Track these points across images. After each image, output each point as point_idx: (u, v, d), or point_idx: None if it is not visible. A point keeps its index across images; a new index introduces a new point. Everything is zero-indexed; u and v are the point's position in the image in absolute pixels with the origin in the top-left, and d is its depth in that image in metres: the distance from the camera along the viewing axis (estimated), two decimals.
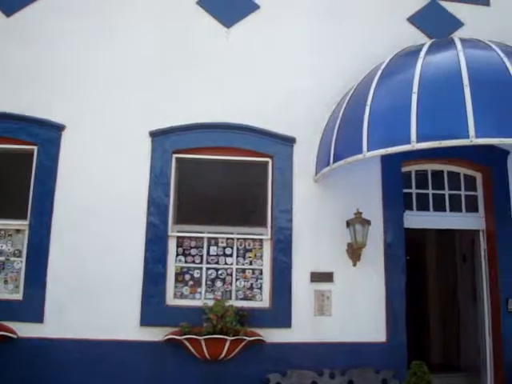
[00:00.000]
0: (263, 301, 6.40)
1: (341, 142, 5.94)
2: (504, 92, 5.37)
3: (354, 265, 6.47)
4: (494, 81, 5.50)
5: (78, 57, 6.73)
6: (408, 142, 5.23)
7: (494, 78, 5.53)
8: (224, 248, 6.51)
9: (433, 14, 7.54)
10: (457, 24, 7.55)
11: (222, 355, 5.88)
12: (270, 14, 7.11)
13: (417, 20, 7.47)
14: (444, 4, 7.62)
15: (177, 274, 6.41)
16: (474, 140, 5.10)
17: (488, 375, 6.95)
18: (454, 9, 7.62)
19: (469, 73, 5.42)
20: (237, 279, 6.45)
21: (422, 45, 6.26)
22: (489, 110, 5.30)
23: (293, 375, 6.09)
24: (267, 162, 6.69)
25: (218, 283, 6.42)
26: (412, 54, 6.12)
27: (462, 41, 6.06)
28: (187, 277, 6.41)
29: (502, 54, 5.73)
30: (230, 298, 6.34)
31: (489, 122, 5.23)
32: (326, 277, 6.43)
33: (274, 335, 6.19)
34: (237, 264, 6.49)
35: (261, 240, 6.54)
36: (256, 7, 7.09)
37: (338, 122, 6.07)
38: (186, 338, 5.83)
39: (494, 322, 6.95)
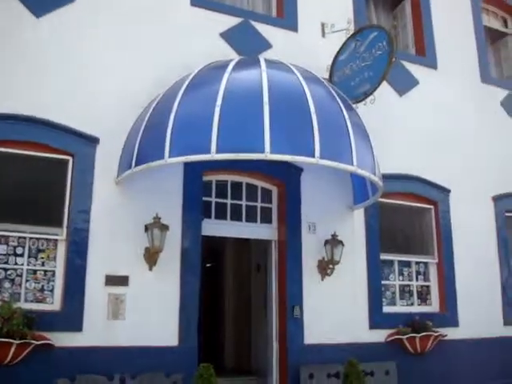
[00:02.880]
0: (54, 304, 6.40)
1: (144, 146, 6.24)
2: (299, 114, 6.11)
3: (151, 269, 6.75)
4: (291, 102, 6.22)
5: None
6: (208, 151, 5.70)
7: (292, 100, 6.24)
8: (15, 247, 6.39)
9: (244, 32, 8.23)
10: (266, 45, 8.32)
11: (8, 360, 5.79)
12: (84, 10, 7.18)
13: (229, 36, 8.08)
14: (255, 25, 8.35)
15: None
16: (268, 155, 5.73)
17: (274, 378, 7.64)
18: (264, 30, 8.39)
19: (269, 92, 6.05)
20: (27, 280, 6.37)
21: (230, 60, 6.80)
22: (284, 128, 5.99)
23: (82, 380, 6.15)
24: (68, 160, 6.72)
25: (7, 284, 6.28)
26: (219, 68, 6.62)
27: (267, 61, 6.75)
28: None
29: (301, 79, 6.49)
30: (19, 300, 6.24)
31: (283, 139, 5.91)
32: (122, 280, 6.62)
33: (64, 339, 6.20)
34: (28, 265, 6.41)
35: (55, 240, 6.56)
36: (70, 0, 7.10)
37: (143, 126, 6.36)
38: None
39: (280, 327, 7.70)
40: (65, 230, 6.55)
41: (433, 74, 9.86)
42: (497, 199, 9.88)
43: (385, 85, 8.21)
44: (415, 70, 9.67)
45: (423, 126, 9.31)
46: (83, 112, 6.83)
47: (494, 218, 9.80)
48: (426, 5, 10.27)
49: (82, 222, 6.56)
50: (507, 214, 9.99)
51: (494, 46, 11.82)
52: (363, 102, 7.74)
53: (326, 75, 8.19)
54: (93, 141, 6.79)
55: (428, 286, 9.05)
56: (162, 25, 7.64)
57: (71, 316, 6.34)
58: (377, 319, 8.17)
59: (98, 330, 6.44)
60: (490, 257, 9.57)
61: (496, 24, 11.75)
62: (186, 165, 6.99)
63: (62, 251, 6.54)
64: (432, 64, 9.92)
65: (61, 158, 6.72)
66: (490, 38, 11.63)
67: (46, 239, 6.55)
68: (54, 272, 6.50)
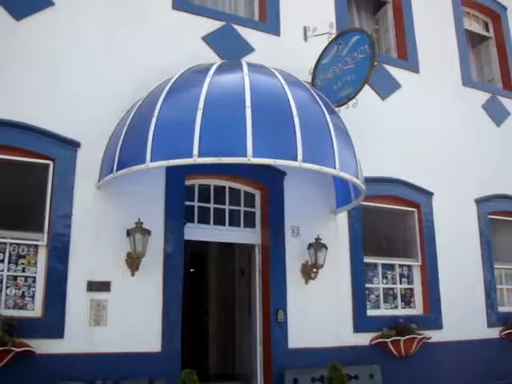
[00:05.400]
0: (35, 310, 6.34)
1: (125, 150, 6.22)
2: (281, 117, 6.13)
3: (133, 274, 6.72)
4: (273, 106, 6.24)
5: None
6: (190, 155, 5.69)
7: (274, 104, 6.26)
8: None
9: (226, 36, 8.25)
10: (248, 49, 8.33)
11: None
12: (64, 13, 7.16)
13: (211, 40, 8.10)
14: (238, 28, 8.37)
15: None
16: (251, 159, 5.73)
17: (258, 383, 7.63)
18: (246, 34, 8.41)
19: (251, 95, 6.06)
20: (7, 287, 6.30)
21: (212, 64, 6.82)
22: (266, 132, 5.99)
23: None
24: (48, 165, 6.67)
25: None
26: (201, 71, 6.64)
27: (249, 65, 6.77)
28: None
29: (283, 82, 6.51)
30: None
31: (265, 143, 5.91)
32: (104, 286, 6.57)
33: (45, 346, 6.14)
34: (8, 271, 6.33)
35: (36, 246, 6.49)
36: (50, 3, 7.07)
37: (125, 130, 6.35)
38: None
39: (264, 332, 7.70)
40: (46, 235, 6.49)
41: (415, 77, 9.95)
42: (480, 202, 9.97)
43: (367, 88, 8.26)
44: (397, 73, 9.73)
45: (406, 130, 9.39)
46: (64, 116, 6.79)
47: (476, 221, 9.88)
48: (407, 9, 10.35)
49: (63, 227, 6.51)
50: (490, 217, 10.08)
51: (475, 50, 11.94)
52: (345, 106, 7.77)
53: (309, 79, 8.22)
54: (74, 145, 6.76)
55: (412, 289, 9.10)
56: (144, 28, 7.64)
57: (52, 322, 6.28)
58: (361, 322, 8.19)
59: (79, 337, 6.39)
60: (474, 259, 9.64)
61: (477, 28, 11.88)
62: (168, 169, 6.96)
63: (42, 257, 6.49)
64: (414, 68, 10.00)
65: (41, 163, 6.67)
66: (471, 42, 11.75)
67: (27, 245, 6.49)
68: (34, 278, 6.44)
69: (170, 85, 6.45)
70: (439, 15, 10.77)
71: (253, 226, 8.01)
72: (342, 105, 7.78)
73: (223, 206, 7.86)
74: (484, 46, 11.95)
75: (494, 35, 11.93)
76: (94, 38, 7.27)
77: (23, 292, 6.38)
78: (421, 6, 10.45)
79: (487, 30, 12.00)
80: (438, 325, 8.85)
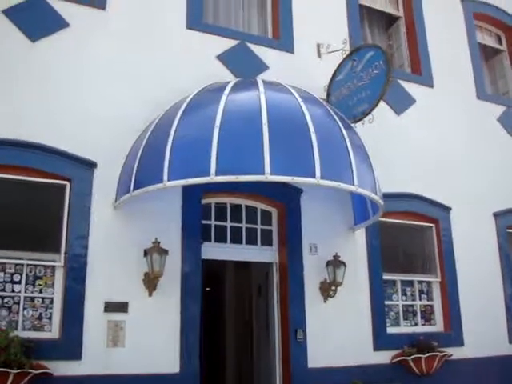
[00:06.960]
0: (52, 331, 6.26)
1: (142, 170, 6.16)
2: (298, 134, 6.05)
3: (150, 295, 6.62)
4: (290, 123, 6.16)
5: None
6: (207, 174, 5.61)
7: (291, 121, 6.19)
8: (12, 274, 6.25)
9: (241, 54, 8.21)
10: (263, 67, 8.30)
11: None
12: (80, 34, 7.15)
13: (225, 59, 8.06)
14: (252, 46, 8.34)
15: None
16: (269, 177, 5.64)
17: None
18: (260, 52, 8.38)
19: (268, 113, 5.99)
20: (24, 308, 6.23)
21: (228, 82, 6.76)
22: (284, 149, 5.90)
23: None
24: (65, 185, 6.62)
25: (4, 312, 6.13)
26: (217, 90, 6.58)
27: (265, 83, 6.71)
28: None
29: (299, 99, 6.44)
30: (16, 329, 6.09)
31: (283, 161, 5.81)
32: (121, 307, 6.48)
33: (63, 368, 6.04)
34: (25, 292, 6.27)
35: (53, 267, 6.42)
36: (65, 25, 7.08)
37: (141, 149, 6.29)
38: None
39: (284, 351, 7.55)
40: (63, 256, 6.43)
41: (429, 92, 9.86)
42: (498, 215, 9.80)
43: (382, 104, 8.16)
44: (412, 88, 9.65)
45: (422, 145, 9.28)
46: (80, 137, 6.75)
47: (495, 235, 9.71)
48: (420, 23, 10.30)
49: (80, 247, 6.44)
50: (509, 230, 9.90)
51: (489, 64, 11.84)
52: (361, 122, 7.69)
53: (324, 95, 8.16)
54: (90, 165, 6.71)
55: (432, 306, 8.93)
56: (159, 48, 7.62)
57: (70, 344, 6.19)
58: (381, 340, 8.03)
59: (97, 358, 6.28)
60: (493, 274, 9.45)
61: (490, 41, 11.79)
62: (185, 188, 6.89)
63: (60, 278, 6.42)
64: (428, 82, 9.93)
65: (58, 183, 6.62)
66: (485, 55, 11.66)
67: (44, 266, 6.41)
68: (52, 299, 6.36)
69: (186, 104, 6.40)
70: (452, 29, 10.71)
71: (270, 244, 7.90)
72: (357, 121, 7.70)
73: (240, 225, 7.76)
74: (498, 60, 11.84)
75: (507, 48, 11.83)
76: (109, 59, 7.24)
77: (40, 313, 6.30)
78: (433, 20, 10.40)
79: (500, 44, 11.90)
80: (459, 342, 8.66)
